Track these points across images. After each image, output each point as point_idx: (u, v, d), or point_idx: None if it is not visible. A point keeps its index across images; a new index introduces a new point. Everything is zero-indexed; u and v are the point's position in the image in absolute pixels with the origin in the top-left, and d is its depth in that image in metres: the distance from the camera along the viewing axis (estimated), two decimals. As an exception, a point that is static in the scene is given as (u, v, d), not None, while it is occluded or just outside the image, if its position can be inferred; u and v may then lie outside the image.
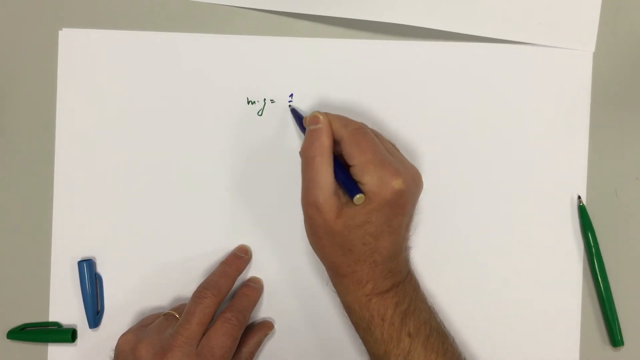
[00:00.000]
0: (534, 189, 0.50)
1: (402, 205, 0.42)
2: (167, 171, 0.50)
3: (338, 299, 0.49)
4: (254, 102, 0.50)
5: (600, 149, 0.50)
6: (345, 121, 0.44)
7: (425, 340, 0.42)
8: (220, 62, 0.50)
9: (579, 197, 0.49)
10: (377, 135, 0.45)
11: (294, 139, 0.50)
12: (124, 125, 0.50)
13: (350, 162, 0.42)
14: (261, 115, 0.50)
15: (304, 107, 0.50)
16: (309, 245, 0.49)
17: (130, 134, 0.50)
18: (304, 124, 0.46)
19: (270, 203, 0.50)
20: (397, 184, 0.41)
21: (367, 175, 0.41)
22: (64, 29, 0.50)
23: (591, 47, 0.50)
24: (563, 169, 0.50)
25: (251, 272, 0.50)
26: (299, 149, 0.49)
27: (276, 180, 0.50)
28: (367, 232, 0.42)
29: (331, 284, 0.45)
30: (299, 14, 0.50)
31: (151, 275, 0.50)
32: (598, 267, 0.49)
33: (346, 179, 0.42)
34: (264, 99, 0.50)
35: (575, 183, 0.50)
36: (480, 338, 0.49)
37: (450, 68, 0.50)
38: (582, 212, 0.49)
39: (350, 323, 0.48)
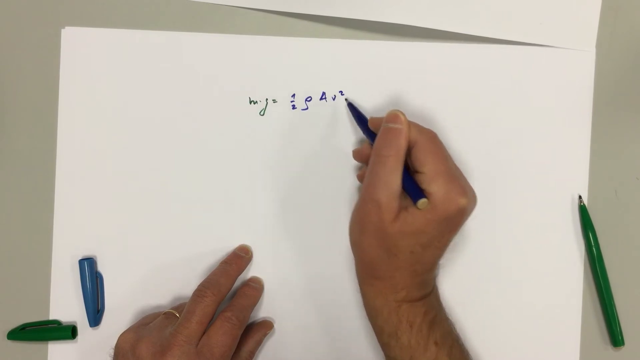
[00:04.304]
0: (535, 189, 0.50)
1: (458, 223, 0.42)
2: (168, 170, 0.50)
3: (337, 299, 0.49)
4: (256, 102, 0.50)
5: (600, 149, 0.50)
6: (420, 127, 0.43)
7: (450, 350, 0.43)
8: (223, 61, 0.50)
9: (580, 197, 0.49)
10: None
11: (297, 139, 0.50)
12: (125, 124, 0.50)
13: (421, 168, 0.42)
14: (263, 115, 0.50)
15: (303, 107, 0.50)
16: (309, 245, 0.50)
17: (132, 133, 0.50)
18: (369, 125, 0.45)
19: (271, 203, 0.50)
20: (462, 201, 0.41)
21: (435, 186, 0.41)
22: (67, 28, 0.50)
23: (591, 47, 0.50)
24: (565, 169, 0.50)
25: (252, 272, 0.50)
26: (301, 150, 0.49)
27: (277, 180, 0.50)
28: (419, 241, 0.41)
29: (358, 283, 0.45)
30: (299, 14, 0.50)
31: (151, 274, 0.50)
32: (599, 267, 0.49)
33: (412, 183, 0.42)
34: (266, 99, 0.50)
35: (577, 183, 0.50)
36: (481, 337, 0.49)
37: (451, 69, 0.50)
38: (583, 212, 0.49)
39: (348, 325, 0.48)
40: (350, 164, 0.49)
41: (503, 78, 0.50)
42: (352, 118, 0.49)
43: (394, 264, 0.42)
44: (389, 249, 0.41)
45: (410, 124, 0.43)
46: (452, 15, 0.49)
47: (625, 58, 0.50)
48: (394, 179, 0.41)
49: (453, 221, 0.42)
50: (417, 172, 0.42)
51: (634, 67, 0.50)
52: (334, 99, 0.50)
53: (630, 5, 0.50)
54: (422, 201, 0.40)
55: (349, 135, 0.50)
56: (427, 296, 0.43)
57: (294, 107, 0.50)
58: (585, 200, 0.49)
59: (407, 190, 0.42)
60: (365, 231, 0.42)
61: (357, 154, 0.48)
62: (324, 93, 0.50)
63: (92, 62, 0.50)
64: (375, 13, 0.49)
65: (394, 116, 0.42)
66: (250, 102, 0.50)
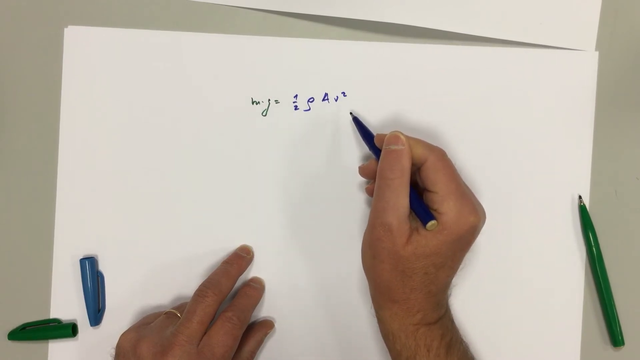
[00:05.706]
0: (536, 189, 0.50)
1: (470, 242, 0.42)
2: (169, 170, 0.50)
3: (338, 299, 0.49)
4: (259, 102, 0.50)
5: (600, 149, 0.50)
6: (427, 144, 0.43)
7: None
8: (223, 61, 0.50)
9: (580, 197, 0.49)
10: None
11: (299, 140, 0.50)
12: (127, 123, 0.50)
13: (432, 188, 0.42)
14: (265, 115, 0.50)
15: (306, 108, 0.50)
16: (311, 246, 0.50)
17: (134, 133, 0.50)
18: (375, 142, 0.45)
19: (273, 203, 0.50)
20: (474, 220, 0.41)
21: (447, 206, 0.41)
22: (70, 27, 0.50)
23: (591, 47, 0.50)
24: (566, 170, 0.50)
25: (252, 272, 0.50)
26: (303, 150, 0.49)
27: (279, 180, 0.50)
28: (433, 262, 0.41)
29: (374, 308, 0.45)
30: (299, 14, 0.50)
31: (153, 274, 0.50)
32: (599, 267, 0.49)
33: (419, 204, 0.42)
34: (269, 100, 0.50)
35: (578, 183, 0.50)
36: (481, 338, 0.49)
37: (453, 70, 0.50)
38: (583, 212, 0.49)
39: (349, 325, 0.48)
40: (353, 165, 0.49)
41: (504, 79, 0.50)
42: (357, 132, 0.48)
43: (409, 285, 0.42)
44: (403, 272, 0.41)
45: (418, 142, 0.43)
46: (452, 15, 0.49)
47: (625, 58, 0.50)
48: (402, 201, 0.41)
49: (465, 240, 0.42)
50: (427, 190, 0.42)
51: (634, 67, 0.50)
52: (336, 100, 0.50)
53: (630, 5, 0.50)
54: (431, 223, 0.41)
55: (352, 136, 0.50)
56: (442, 318, 0.43)
57: (296, 107, 0.50)
58: (586, 201, 0.49)
59: (415, 211, 0.42)
60: (378, 256, 0.42)
61: (363, 171, 0.47)
62: (326, 94, 0.50)
63: (95, 61, 0.50)
64: (376, 13, 0.49)
65: (394, 137, 0.42)
66: (253, 103, 0.50)
